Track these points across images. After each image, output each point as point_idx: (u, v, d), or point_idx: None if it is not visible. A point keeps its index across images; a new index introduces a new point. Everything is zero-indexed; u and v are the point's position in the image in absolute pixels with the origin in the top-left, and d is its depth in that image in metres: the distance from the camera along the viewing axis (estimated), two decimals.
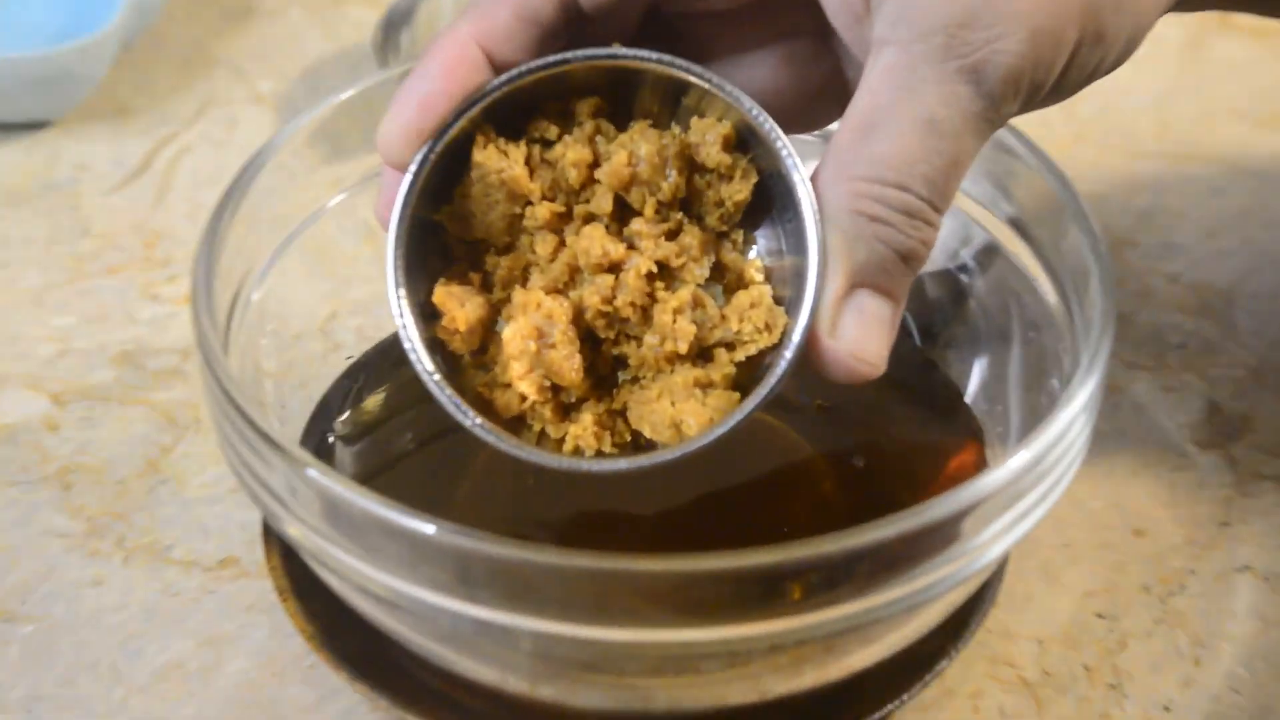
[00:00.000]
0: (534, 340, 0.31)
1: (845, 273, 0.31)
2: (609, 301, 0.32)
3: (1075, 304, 0.36)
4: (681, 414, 0.32)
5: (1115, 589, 0.39)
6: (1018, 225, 0.39)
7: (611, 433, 0.33)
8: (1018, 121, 0.38)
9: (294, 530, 0.31)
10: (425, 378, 0.31)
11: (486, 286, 0.33)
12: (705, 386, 0.32)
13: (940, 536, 0.30)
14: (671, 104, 0.32)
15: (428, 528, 0.28)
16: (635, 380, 0.33)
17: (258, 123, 0.55)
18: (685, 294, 0.32)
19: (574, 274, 0.32)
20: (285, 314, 0.39)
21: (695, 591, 0.29)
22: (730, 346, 0.32)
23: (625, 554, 0.28)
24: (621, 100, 0.32)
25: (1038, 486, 0.31)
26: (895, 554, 0.29)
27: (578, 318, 0.32)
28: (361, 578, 0.30)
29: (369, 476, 0.38)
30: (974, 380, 0.40)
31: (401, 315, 0.31)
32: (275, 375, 0.38)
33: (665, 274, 0.32)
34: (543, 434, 0.33)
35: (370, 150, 0.40)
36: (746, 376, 0.32)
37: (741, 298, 0.32)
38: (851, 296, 0.31)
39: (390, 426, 0.40)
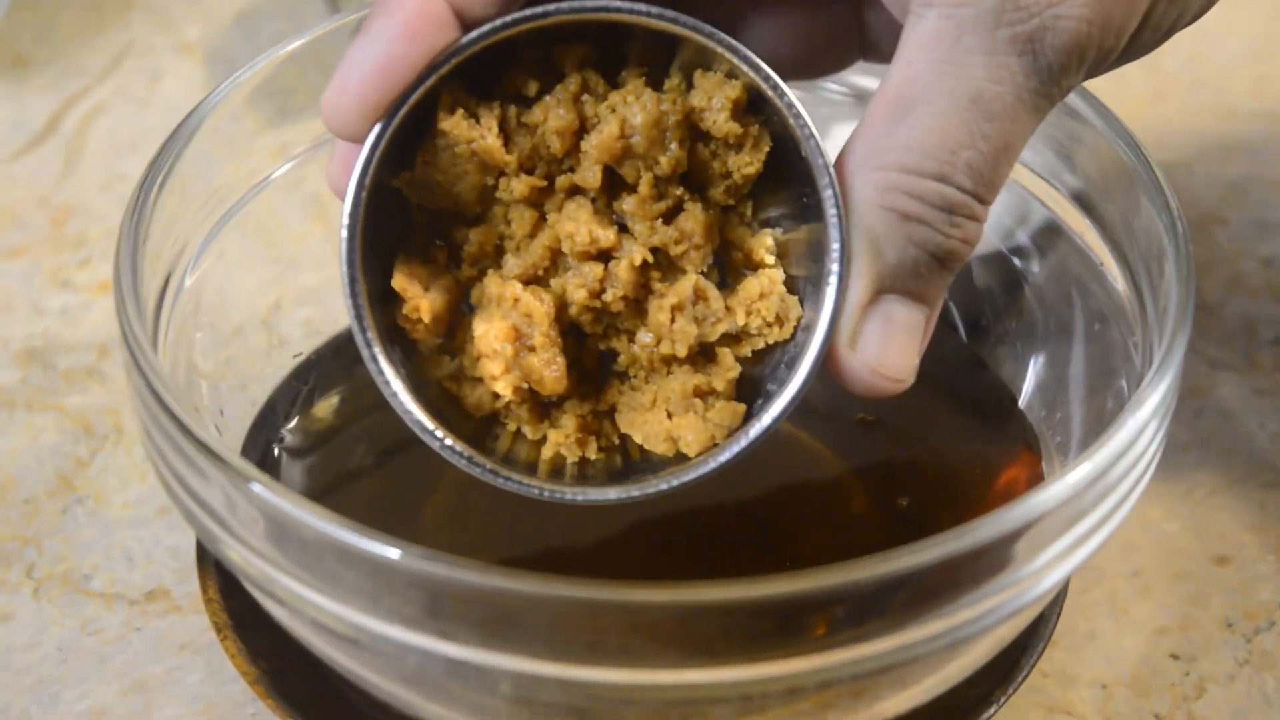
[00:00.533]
0: (510, 344, 0.32)
1: (871, 277, 0.31)
2: (596, 295, 0.32)
3: (1148, 292, 0.37)
4: (679, 429, 0.33)
5: (1193, 625, 0.40)
6: (1083, 200, 0.40)
7: (597, 436, 0.34)
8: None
9: (235, 555, 0.32)
10: (386, 391, 0.32)
11: (454, 260, 0.33)
12: (706, 395, 0.33)
13: (987, 562, 0.31)
14: (668, 58, 0.33)
15: (391, 552, 0.29)
16: (625, 377, 0.34)
17: (184, 77, 0.56)
18: (685, 287, 0.32)
19: (555, 257, 0.33)
20: (223, 304, 0.40)
21: (703, 626, 0.30)
22: (736, 338, 0.33)
23: (621, 582, 0.29)
24: (611, 46, 0.33)
25: (1101, 505, 0.32)
26: (935, 582, 0.30)
27: (560, 313, 0.33)
28: (314, 610, 0.31)
29: (322, 493, 0.39)
30: (1029, 382, 0.41)
31: (361, 319, 0.32)
32: (211, 375, 0.40)
33: (662, 260, 0.33)
34: (518, 434, 0.34)
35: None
36: (754, 369, 0.33)
37: (750, 286, 0.33)
38: (878, 303, 0.32)
39: (346, 435, 0.41)
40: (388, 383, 0.32)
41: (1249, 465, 0.44)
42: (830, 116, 0.40)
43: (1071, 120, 0.39)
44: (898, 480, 0.40)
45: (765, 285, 0.33)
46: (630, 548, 0.38)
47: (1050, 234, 0.41)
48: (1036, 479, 0.39)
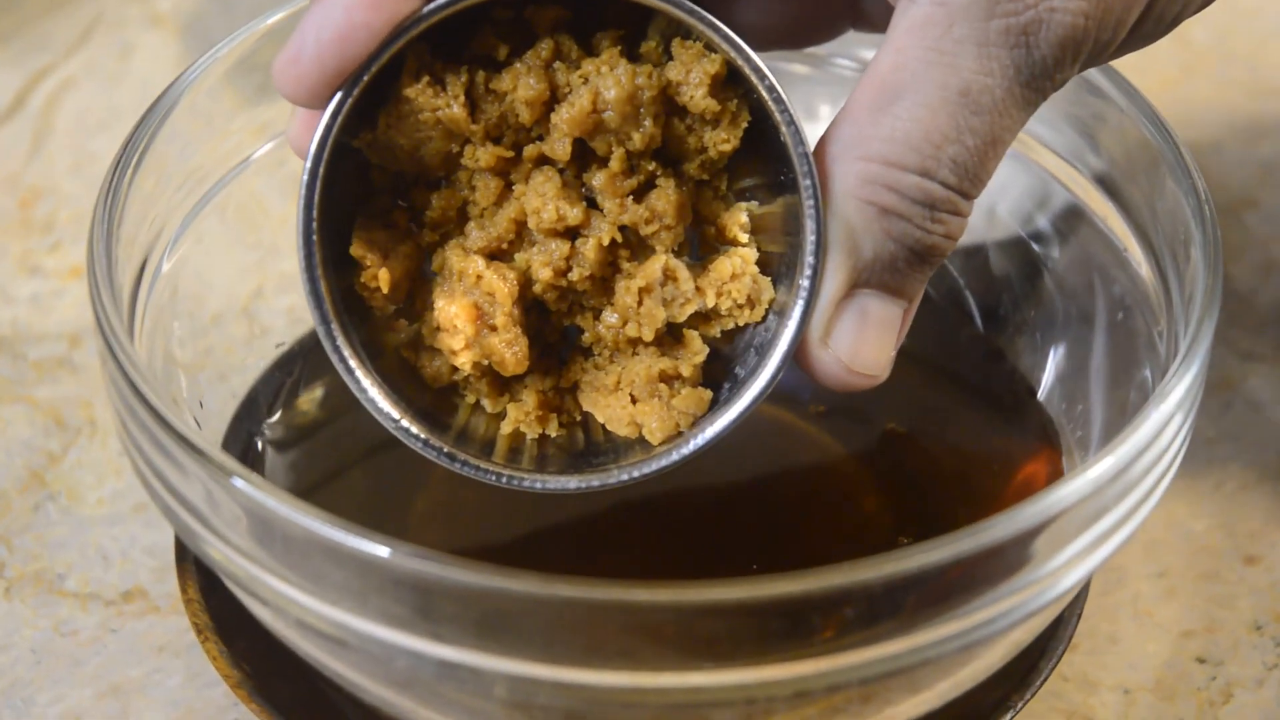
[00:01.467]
0: (472, 323, 0.33)
1: (847, 271, 0.32)
2: (562, 274, 0.33)
3: (1174, 279, 0.37)
4: (642, 415, 0.33)
5: (1220, 628, 0.40)
6: (1106, 183, 0.40)
7: (559, 412, 0.34)
8: None
9: (216, 553, 0.32)
10: (342, 368, 0.33)
11: (415, 222, 0.34)
12: (672, 379, 0.33)
13: (1004, 561, 0.31)
14: (645, 21, 0.33)
15: (380, 549, 0.30)
16: (589, 353, 0.34)
17: (158, 51, 0.56)
18: (654, 269, 0.33)
19: (520, 230, 0.33)
20: (201, 290, 0.41)
21: (706, 627, 0.30)
22: (705, 318, 0.34)
23: (620, 581, 0.29)
24: (586, 7, 0.33)
25: (1124, 501, 0.33)
26: (949, 582, 0.31)
27: (524, 290, 0.33)
28: (300, 611, 0.32)
29: (307, 488, 0.40)
30: (1049, 373, 0.41)
31: (316, 286, 0.33)
32: (190, 366, 0.40)
33: (631, 239, 0.33)
34: (477, 406, 0.34)
35: None
36: (724, 348, 0.34)
37: (722, 266, 0.33)
38: (853, 297, 0.32)
39: (332, 428, 0.41)
40: (344, 360, 0.33)
41: None
42: (840, 95, 0.40)
43: (1094, 98, 0.39)
44: (911, 475, 0.40)
45: (738, 266, 0.33)
46: (630, 545, 0.39)
47: (1072, 218, 0.41)
48: (1056, 474, 0.39)
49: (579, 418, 0.35)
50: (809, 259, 0.32)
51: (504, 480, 0.33)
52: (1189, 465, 0.36)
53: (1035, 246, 0.42)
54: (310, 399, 0.42)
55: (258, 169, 0.41)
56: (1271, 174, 0.53)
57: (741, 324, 0.34)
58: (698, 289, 0.33)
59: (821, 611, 0.30)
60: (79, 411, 0.45)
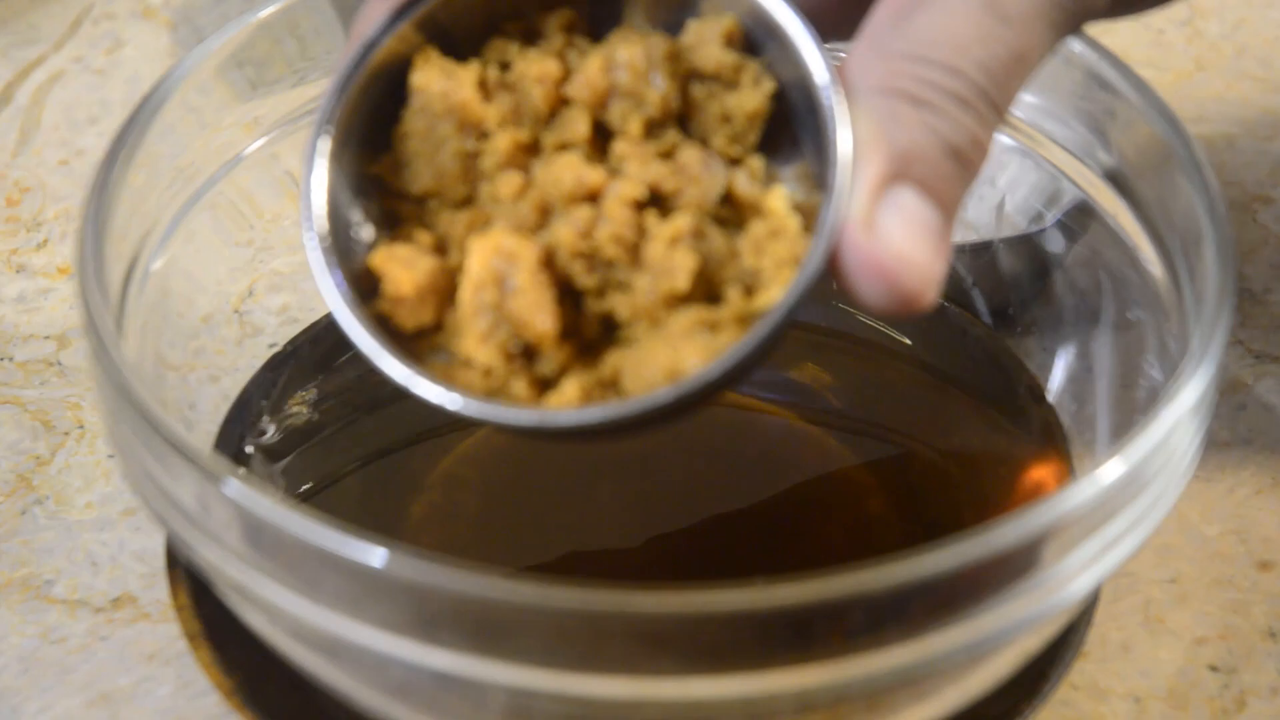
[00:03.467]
0: (492, 289, 0.32)
1: (882, 156, 0.30)
2: (587, 237, 0.32)
3: (1186, 278, 0.37)
4: (680, 358, 0.31)
5: (1234, 635, 0.41)
6: (1116, 179, 0.40)
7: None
8: (1122, 46, 0.40)
9: (208, 559, 0.32)
10: (312, 251, 0.32)
11: (440, 250, 0.33)
12: (712, 327, 0.32)
13: (1013, 566, 0.31)
14: (672, 22, 0.33)
15: (376, 555, 0.30)
16: (628, 341, 0.33)
17: (148, 44, 0.56)
18: (683, 221, 0.32)
19: (544, 215, 0.33)
20: (192, 290, 0.41)
21: (708, 634, 0.30)
22: (748, 290, 0.32)
23: (621, 587, 0.29)
24: (604, 18, 0.33)
25: (1135, 506, 0.33)
26: (956, 588, 0.31)
27: (549, 261, 0.32)
28: (293, 618, 0.32)
29: (301, 491, 0.40)
30: (1057, 373, 0.42)
31: (313, 157, 0.32)
32: (180, 367, 0.40)
33: (658, 204, 0.32)
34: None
35: (298, 83, 0.42)
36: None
37: (758, 227, 0.32)
38: (889, 190, 0.30)
39: (326, 431, 0.41)
40: (316, 242, 0.32)
41: None
42: None
43: (1104, 93, 0.39)
44: (916, 478, 0.41)
45: (776, 225, 0.32)
46: (630, 552, 0.39)
47: (1081, 215, 0.41)
48: (1065, 477, 0.39)
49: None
50: (837, 153, 0.31)
51: (509, 417, 0.32)
52: (1202, 469, 0.36)
53: (1044, 245, 0.42)
54: (303, 401, 0.42)
55: (249, 165, 0.41)
56: None
57: (785, 285, 0.32)
58: (734, 252, 0.32)
59: (827, 618, 0.30)
60: (67, 414, 0.45)
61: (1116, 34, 0.35)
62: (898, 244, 0.30)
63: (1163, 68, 0.54)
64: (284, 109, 0.41)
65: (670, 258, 0.32)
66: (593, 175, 0.32)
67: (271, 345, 0.43)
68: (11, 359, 0.46)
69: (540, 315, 0.32)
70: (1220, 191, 0.36)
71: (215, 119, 0.40)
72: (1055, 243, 0.42)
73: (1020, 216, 0.43)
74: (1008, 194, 0.43)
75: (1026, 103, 0.41)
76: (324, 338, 0.43)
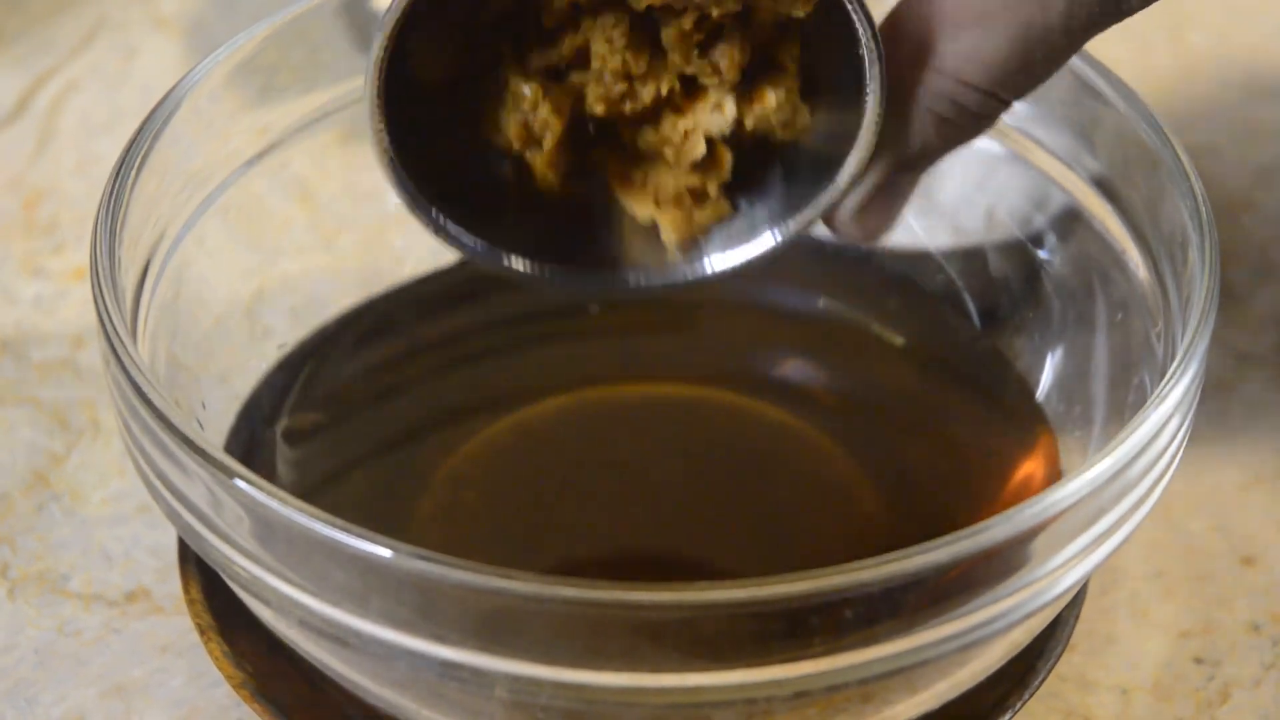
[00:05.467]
0: (519, 140, 0.35)
1: (889, 162, 0.34)
2: (616, 105, 0.34)
3: (1172, 281, 0.37)
4: (662, 216, 0.35)
5: (1217, 628, 0.41)
6: (1104, 185, 0.40)
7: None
8: (1108, 53, 0.40)
9: (219, 554, 0.33)
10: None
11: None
12: (698, 195, 0.35)
13: (1002, 562, 0.31)
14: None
15: (383, 550, 0.30)
16: (621, 144, 0.36)
17: (161, 53, 0.56)
18: (704, 116, 0.34)
19: (580, 54, 0.34)
20: (204, 292, 0.41)
21: (707, 627, 0.30)
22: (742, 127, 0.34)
23: (622, 582, 0.29)
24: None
25: (1122, 502, 0.33)
26: (948, 583, 0.31)
27: (574, 108, 0.35)
28: (302, 611, 0.32)
29: (310, 489, 0.40)
30: (1047, 374, 0.42)
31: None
32: (192, 367, 0.40)
33: (688, 88, 0.35)
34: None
35: (306, 91, 0.42)
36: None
37: (768, 98, 0.34)
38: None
39: (334, 429, 0.41)
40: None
41: (1278, 462, 0.44)
42: None
43: (1092, 101, 0.39)
44: (909, 476, 0.41)
45: (782, 96, 0.34)
46: (628, 547, 0.39)
47: (1070, 220, 0.41)
48: (1054, 475, 0.39)
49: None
50: (869, 123, 0.33)
51: (529, 268, 0.35)
52: (1186, 466, 0.36)
53: (1033, 248, 0.43)
54: (312, 400, 0.42)
55: (259, 171, 0.42)
56: (1269, 176, 0.53)
57: (775, 140, 0.35)
58: (739, 120, 0.35)
59: (821, 612, 0.30)
60: (82, 413, 0.45)
61: (1104, 43, 0.35)
62: (873, 225, 0.35)
63: (1148, 76, 0.54)
64: (293, 116, 0.42)
65: (683, 143, 0.34)
66: (637, 66, 0.34)
67: (281, 346, 0.43)
68: (29, 359, 0.46)
69: (551, 174, 0.35)
70: (1205, 197, 0.36)
71: (226, 126, 0.40)
72: (1044, 247, 0.42)
73: (1010, 221, 0.43)
74: (998, 199, 0.43)
75: (1017, 110, 0.41)
76: (333, 338, 0.43)
